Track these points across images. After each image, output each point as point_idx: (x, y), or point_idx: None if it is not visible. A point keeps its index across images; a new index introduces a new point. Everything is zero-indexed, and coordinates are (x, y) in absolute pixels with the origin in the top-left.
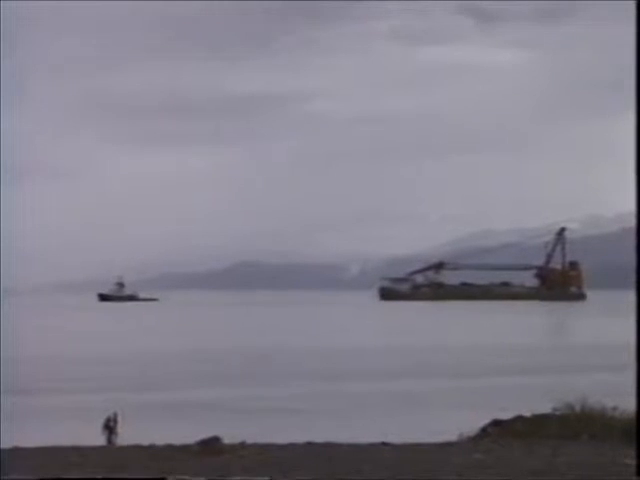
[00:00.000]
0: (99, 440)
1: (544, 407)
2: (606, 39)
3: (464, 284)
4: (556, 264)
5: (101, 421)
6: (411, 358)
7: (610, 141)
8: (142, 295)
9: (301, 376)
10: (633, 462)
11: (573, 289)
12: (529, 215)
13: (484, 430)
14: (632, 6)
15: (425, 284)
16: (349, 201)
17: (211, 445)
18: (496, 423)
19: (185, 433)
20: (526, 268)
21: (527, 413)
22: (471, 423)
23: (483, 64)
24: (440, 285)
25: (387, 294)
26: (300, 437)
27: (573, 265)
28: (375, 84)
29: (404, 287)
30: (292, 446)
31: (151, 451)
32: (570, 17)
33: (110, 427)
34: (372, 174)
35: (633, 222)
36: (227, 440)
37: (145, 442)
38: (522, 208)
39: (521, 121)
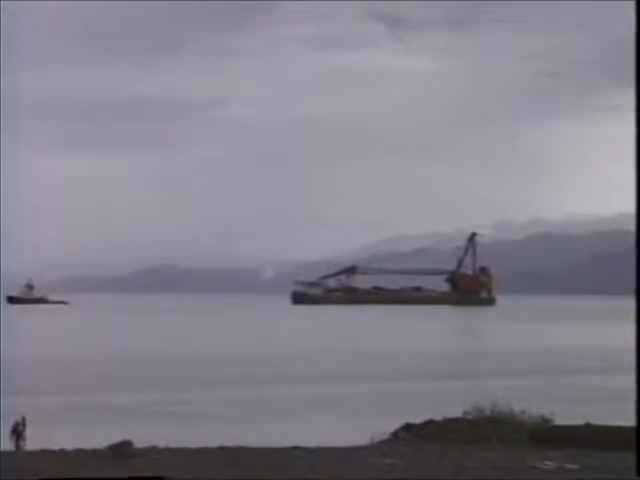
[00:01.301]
0: (7, 445)
1: (455, 411)
2: (518, 46)
3: (376, 288)
4: (467, 269)
5: (9, 426)
6: (324, 363)
7: (521, 148)
8: (52, 298)
9: (216, 381)
10: (541, 465)
11: (483, 294)
12: (442, 220)
13: (396, 434)
14: (544, 14)
15: (337, 288)
16: (264, 206)
17: (122, 449)
18: (408, 427)
19: (96, 437)
20: (438, 273)
21: (438, 417)
22: (384, 427)
23: (395, 70)
24: (352, 289)
25: (299, 298)
26: (213, 441)
27: (483, 270)
28: (287, 89)
29: (316, 291)
30: (204, 450)
31: (60, 456)
32: (481, 24)
33: (18, 432)
34: (286, 179)
35: (541, 229)
36: (139, 444)
37: (55, 447)
38: (435, 213)
39: (434, 127)
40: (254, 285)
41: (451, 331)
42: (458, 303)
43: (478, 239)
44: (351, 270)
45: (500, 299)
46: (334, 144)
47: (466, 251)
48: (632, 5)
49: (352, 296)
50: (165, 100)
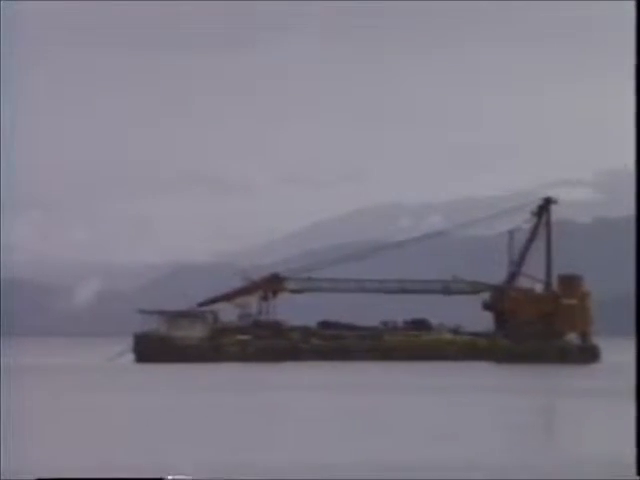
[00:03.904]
0: None
1: None
2: None
3: (326, 325)
4: (533, 281)
5: None
6: None
7: None
8: None
9: None
10: None
11: (570, 336)
12: (474, 173)
13: None
14: None
15: (241, 325)
16: (88, 149)
17: None
18: None
19: None
20: (466, 291)
21: None
22: None
23: None
24: (274, 328)
25: (152, 349)
26: None
27: (569, 283)
28: None
29: (192, 332)
30: None
31: None
32: None
33: None
34: (146, 82)
35: None
36: None
37: None
38: (461, 159)
39: None
40: (51, 317)
41: (504, 425)
42: (514, 358)
43: (558, 212)
44: (271, 283)
45: (607, 348)
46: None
47: (531, 239)
48: (632, 5)
49: (274, 343)
50: None
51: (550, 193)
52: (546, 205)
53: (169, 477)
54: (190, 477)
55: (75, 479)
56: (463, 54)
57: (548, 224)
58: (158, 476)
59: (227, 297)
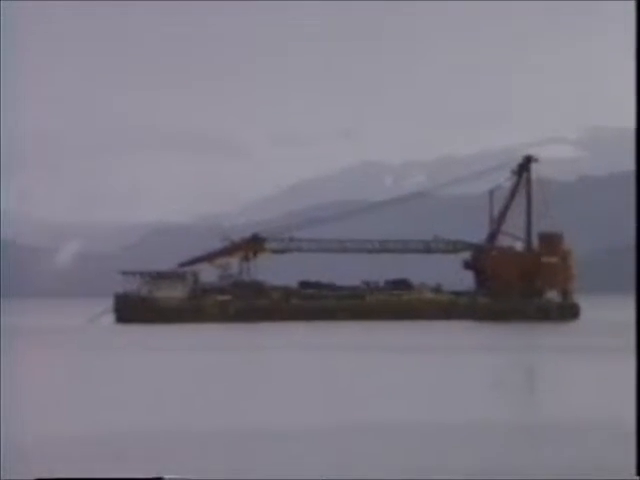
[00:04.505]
0: None
1: None
2: None
3: (306, 285)
4: (513, 240)
5: None
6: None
7: None
8: None
9: None
10: None
11: (551, 294)
12: (457, 132)
13: None
14: None
15: (222, 286)
16: (72, 109)
17: None
18: None
19: None
20: (447, 250)
21: None
22: None
23: None
24: (256, 287)
25: (133, 309)
26: None
27: (551, 241)
28: None
29: (173, 292)
30: None
31: None
32: None
33: None
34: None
35: None
36: None
37: None
38: (446, 116)
39: None
40: (33, 278)
41: (483, 385)
42: (495, 316)
43: (538, 171)
44: (252, 244)
45: (588, 305)
46: None
47: (511, 198)
48: (632, 5)
49: (255, 304)
50: None
51: (534, 151)
52: (526, 164)
53: (168, 477)
54: (190, 477)
55: (75, 479)
56: (451, 24)
57: (529, 182)
58: (157, 475)
59: (208, 258)
